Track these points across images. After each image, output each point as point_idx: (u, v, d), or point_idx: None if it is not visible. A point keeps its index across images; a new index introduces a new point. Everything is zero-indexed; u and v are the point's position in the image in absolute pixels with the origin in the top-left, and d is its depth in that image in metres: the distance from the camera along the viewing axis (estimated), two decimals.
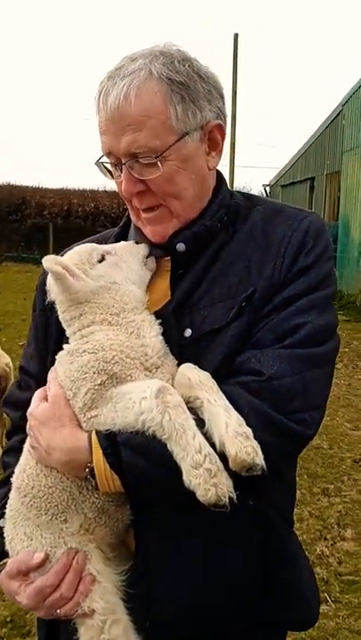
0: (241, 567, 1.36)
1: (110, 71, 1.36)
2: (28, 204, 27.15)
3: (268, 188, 27.57)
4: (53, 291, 1.41)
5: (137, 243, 1.46)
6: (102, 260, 1.40)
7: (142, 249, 1.44)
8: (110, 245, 1.46)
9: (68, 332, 1.40)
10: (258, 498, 1.32)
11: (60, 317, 1.41)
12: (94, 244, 1.47)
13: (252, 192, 1.73)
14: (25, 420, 1.45)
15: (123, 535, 1.41)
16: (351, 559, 4.15)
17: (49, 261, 1.32)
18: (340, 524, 4.60)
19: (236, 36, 23.99)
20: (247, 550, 1.37)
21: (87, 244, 1.47)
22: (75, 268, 1.35)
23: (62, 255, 1.47)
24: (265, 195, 24.80)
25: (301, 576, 1.49)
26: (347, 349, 10.19)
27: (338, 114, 18.50)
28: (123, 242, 1.48)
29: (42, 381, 1.50)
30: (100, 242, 1.55)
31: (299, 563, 1.49)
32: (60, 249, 1.73)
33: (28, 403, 1.45)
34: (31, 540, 1.36)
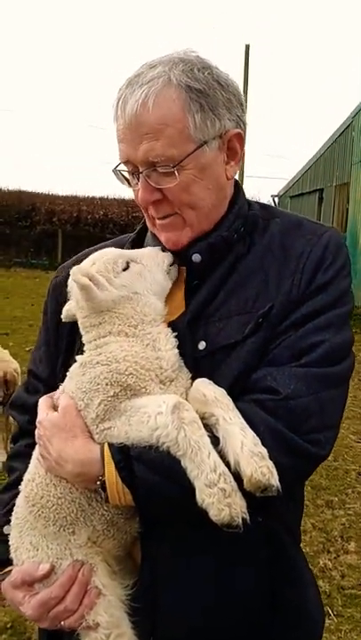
0: (253, 587, 1.35)
1: (129, 78, 1.34)
2: (37, 211, 27.30)
3: (276, 199, 27.58)
4: (76, 297, 1.40)
5: (163, 250, 1.42)
6: (127, 267, 1.38)
7: (167, 257, 1.41)
8: (136, 252, 1.44)
9: (84, 339, 1.39)
10: (267, 515, 1.30)
11: (79, 322, 1.40)
12: (120, 250, 1.45)
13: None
14: (32, 424, 1.44)
15: (130, 548, 1.41)
16: (354, 572, 4.12)
17: (76, 274, 1.31)
18: (343, 536, 4.57)
19: (247, 47, 24.09)
20: (258, 569, 1.35)
21: (113, 250, 1.44)
22: (100, 278, 1.33)
23: (83, 258, 1.45)
24: (274, 205, 24.79)
25: (308, 594, 1.47)
26: None
27: (348, 125, 18.52)
28: (149, 248, 1.45)
29: (51, 385, 1.49)
30: (115, 247, 1.53)
31: (305, 580, 1.48)
32: (68, 256, 1.73)
33: (35, 406, 1.44)
34: (37, 550, 1.36)
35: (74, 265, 1.57)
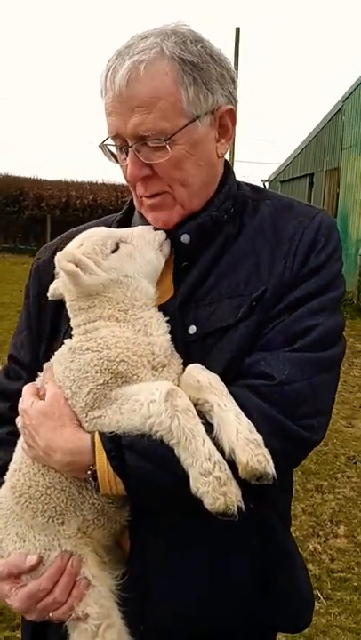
0: (247, 574, 1.34)
1: (119, 49, 1.29)
2: (25, 196, 27.02)
3: (267, 184, 27.49)
4: (64, 280, 1.35)
5: (155, 229, 1.37)
6: (116, 249, 1.33)
7: (159, 235, 1.36)
8: (126, 231, 1.38)
9: (72, 323, 1.35)
10: (259, 501, 1.28)
11: (67, 305, 1.36)
12: (109, 230, 1.39)
13: None
14: (14, 411, 1.41)
15: (119, 537, 1.39)
16: (343, 556, 4.15)
17: (61, 260, 1.27)
18: (333, 520, 4.60)
19: (237, 30, 23.88)
20: (250, 556, 1.35)
21: (102, 230, 1.38)
22: (87, 261, 1.28)
23: (67, 241, 1.40)
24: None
25: (298, 578, 1.47)
26: None
27: (338, 110, 18.43)
28: (140, 227, 1.39)
29: (33, 371, 1.45)
30: (102, 226, 1.47)
31: (296, 564, 1.48)
32: None
33: (17, 393, 1.41)
34: (24, 541, 1.33)
35: (58, 246, 1.51)
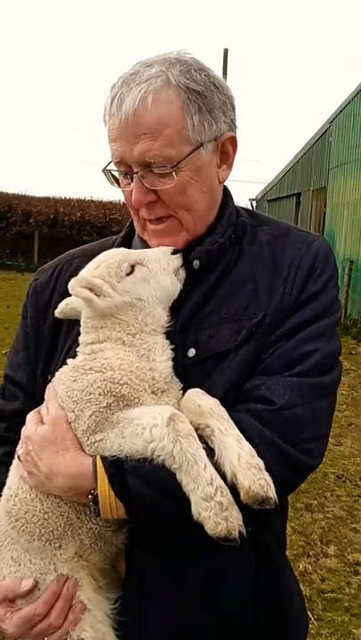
0: (242, 599, 1.33)
1: (124, 77, 1.31)
2: (13, 212, 27.00)
3: (254, 203, 27.72)
4: (77, 300, 1.34)
5: (175, 252, 1.36)
6: (131, 272, 1.33)
7: (173, 261, 1.35)
8: (143, 253, 1.36)
9: (81, 338, 1.34)
10: (258, 524, 1.27)
11: (82, 321, 1.36)
12: (126, 252, 1.37)
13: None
14: (10, 431, 1.39)
15: (115, 560, 1.37)
16: (334, 576, 4.12)
17: (75, 287, 1.27)
18: (323, 540, 4.57)
19: (225, 51, 24.23)
20: (246, 579, 1.33)
21: (118, 252, 1.37)
22: (102, 285, 1.29)
23: (64, 261, 1.40)
24: (251, 208, 24.94)
25: (292, 602, 1.46)
26: None
27: (325, 131, 18.70)
28: (155, 249, 1.38)
29: (30, 392, 1.45)
30: (100, 250, 1.45)
31: (290, 588, 1.47)
32: (44, 257, 1.68)
33: (13, 414, 1.40)
34: (19, 565, 1.31)
35: (55, 267, 1.54)
